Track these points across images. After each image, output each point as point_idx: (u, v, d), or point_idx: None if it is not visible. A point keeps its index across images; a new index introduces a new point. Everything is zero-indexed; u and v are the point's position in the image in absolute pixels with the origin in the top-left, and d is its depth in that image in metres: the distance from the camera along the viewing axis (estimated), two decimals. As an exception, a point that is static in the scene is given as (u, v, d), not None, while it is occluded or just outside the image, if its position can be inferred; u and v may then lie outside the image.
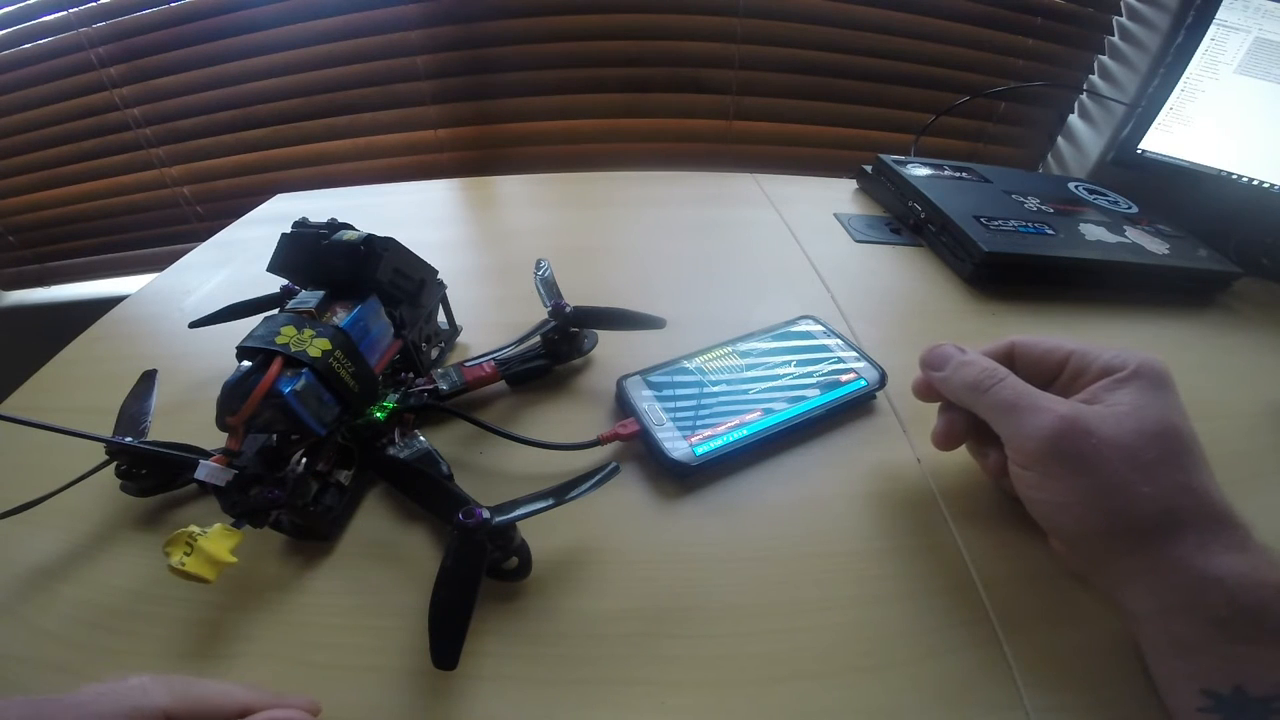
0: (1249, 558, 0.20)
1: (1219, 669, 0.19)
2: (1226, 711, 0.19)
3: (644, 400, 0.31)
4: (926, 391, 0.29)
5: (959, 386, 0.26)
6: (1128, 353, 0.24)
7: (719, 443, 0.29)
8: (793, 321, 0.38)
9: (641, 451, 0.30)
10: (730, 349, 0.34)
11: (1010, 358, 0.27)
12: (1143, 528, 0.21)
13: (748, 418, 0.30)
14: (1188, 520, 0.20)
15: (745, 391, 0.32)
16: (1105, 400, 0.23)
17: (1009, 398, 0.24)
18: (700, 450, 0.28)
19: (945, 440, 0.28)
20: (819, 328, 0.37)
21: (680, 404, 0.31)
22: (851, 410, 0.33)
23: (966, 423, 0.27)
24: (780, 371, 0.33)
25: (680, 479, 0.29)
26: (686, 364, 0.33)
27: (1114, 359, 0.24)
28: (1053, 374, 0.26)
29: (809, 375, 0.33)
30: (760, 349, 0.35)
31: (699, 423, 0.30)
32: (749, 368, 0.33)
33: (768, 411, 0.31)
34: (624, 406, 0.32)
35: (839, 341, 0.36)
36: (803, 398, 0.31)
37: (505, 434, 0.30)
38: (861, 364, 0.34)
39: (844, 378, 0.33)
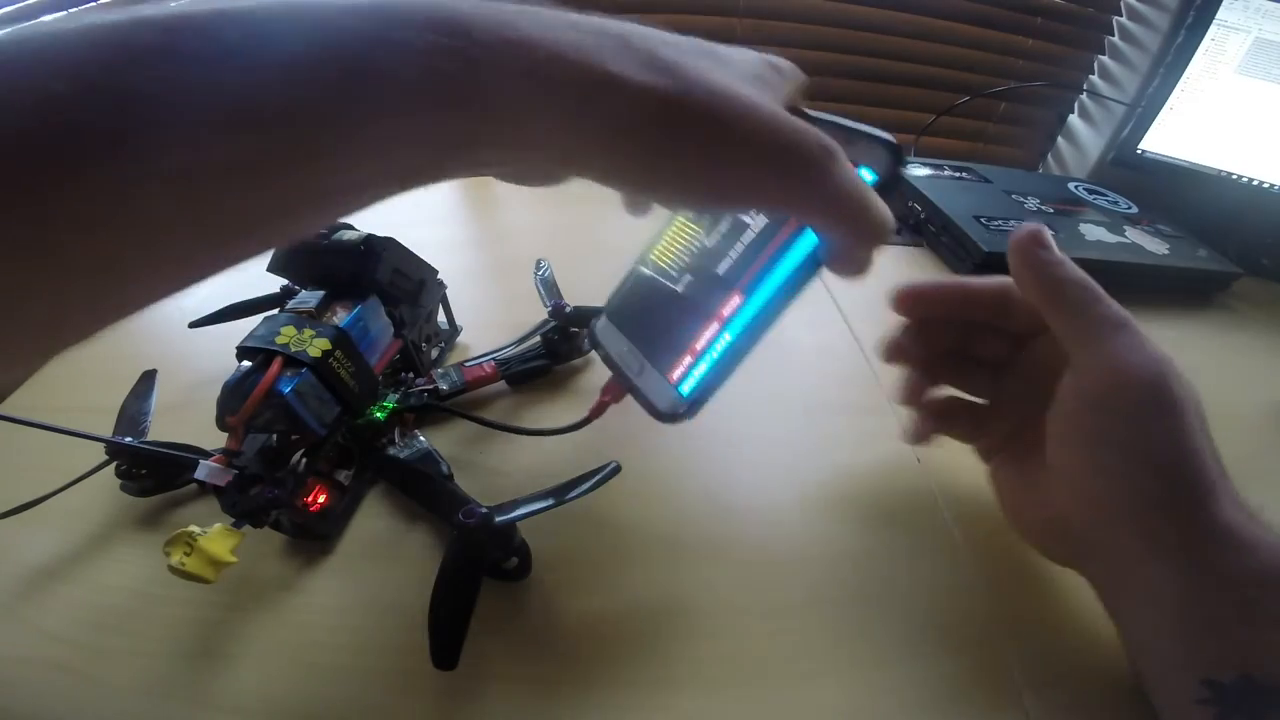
0: (1267, 528, 0.19)
1: (1227, 655, 0.18)
2: (1228, 703, 0.18)
3: (618, 348, 0.25)
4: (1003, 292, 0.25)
5: (1071, 277, 0.22)
6: None
7: (703, 367, 0.22)
8: None
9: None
10: (685, 221, 0.25)
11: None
12: (1191, 486, 0.19)
13: (726, 310, 0.22)
14: (1223, 488, 0.20)
15: (714, 271, 0.22)
16: None
17: (1120, 314, 0.21)
18: (685, 389, 0.23)
19: (923, 402, 0.28)
20: None
21: (653, 330, 0.24)
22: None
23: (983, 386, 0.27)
24: (749, 216, 0.22)
25: (675, 424, 0.24)
26: (643, 269, 0.25)
27: None
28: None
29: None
30: None
31: (678, 345, 0.23)
32: (707, 234, 0.23)
33: (747, 291, 0.21)
34: (604, 360, 0.27)
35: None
36: (786, 243, 0.20)
37: (501, 426, 0.30)
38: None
39: None
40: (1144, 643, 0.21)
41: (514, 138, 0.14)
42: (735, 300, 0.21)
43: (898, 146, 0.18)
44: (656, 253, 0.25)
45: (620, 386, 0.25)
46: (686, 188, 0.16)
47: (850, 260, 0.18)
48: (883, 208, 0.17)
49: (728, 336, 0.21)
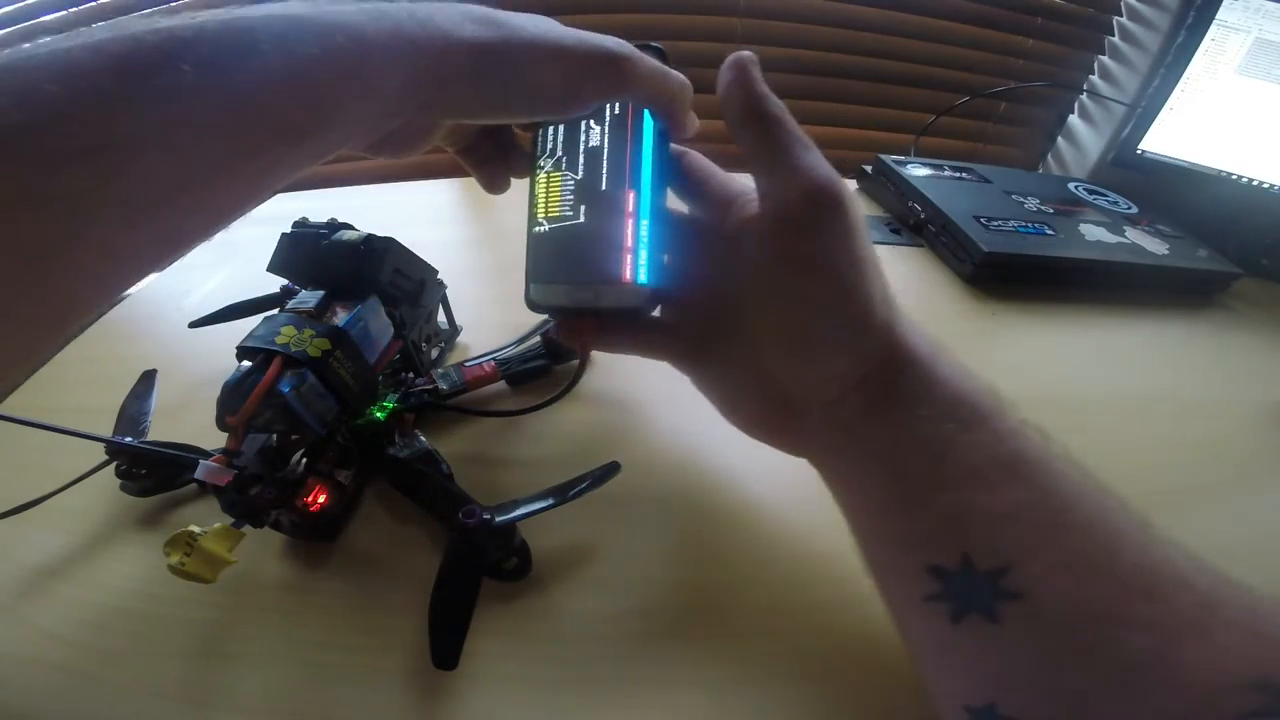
0: (945, 351, 0.19)
1: (946, 531, 0.16)
2: (956, 598, 0.15)
3: (564, 295, 0.25)
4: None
5: (774, 101, 0.21)
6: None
7: (643, 253, 0.24)
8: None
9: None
10: (542, 174, 0.26)
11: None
12: (881, 302, 0.19)
13: (629, 206, 0.24)
14: (903, 316, 0.20)
15: (599, 190, 0.25)
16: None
17: (808, 138, 0.21)
18: (642, 278, 0.24)
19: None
20: None
21: (584, 260, 0.25)
22: None
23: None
24: (597, 141, 0.25)
25: (655, 306, 0.25)
26: (540, 229, 0.26)
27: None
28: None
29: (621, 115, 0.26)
30: (564, 139, 0.26)
31: (614, 251, 0.24)
32: (575, 171, 0.26)
33: (634, 183, 0.24)
34: (560, 313, 0.27)
35: None
36: (634, 138, 0.25)
37: (501, 412, 0.30)
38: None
39: None
40: (865, 529, 0.19)
41: (376, 93, 0.17)
42: (631, 195, 0.24)
43: (661, 49, 0.24)
44: (542, 212, 0.26)
45: (587, 323, 0.26)
46: (537, 103, 0.21)
47: (677, 120, 0.24)
48: (679, 75, 0.23)
49: (645, 221, 0.24)
